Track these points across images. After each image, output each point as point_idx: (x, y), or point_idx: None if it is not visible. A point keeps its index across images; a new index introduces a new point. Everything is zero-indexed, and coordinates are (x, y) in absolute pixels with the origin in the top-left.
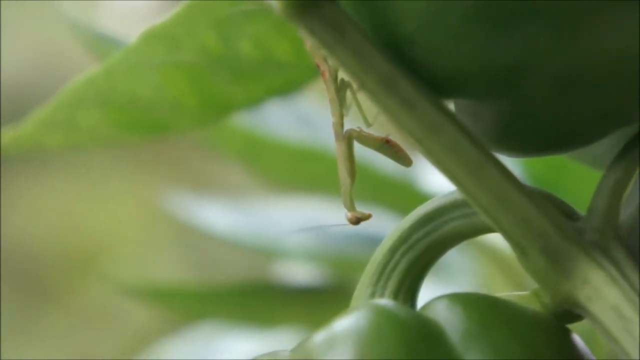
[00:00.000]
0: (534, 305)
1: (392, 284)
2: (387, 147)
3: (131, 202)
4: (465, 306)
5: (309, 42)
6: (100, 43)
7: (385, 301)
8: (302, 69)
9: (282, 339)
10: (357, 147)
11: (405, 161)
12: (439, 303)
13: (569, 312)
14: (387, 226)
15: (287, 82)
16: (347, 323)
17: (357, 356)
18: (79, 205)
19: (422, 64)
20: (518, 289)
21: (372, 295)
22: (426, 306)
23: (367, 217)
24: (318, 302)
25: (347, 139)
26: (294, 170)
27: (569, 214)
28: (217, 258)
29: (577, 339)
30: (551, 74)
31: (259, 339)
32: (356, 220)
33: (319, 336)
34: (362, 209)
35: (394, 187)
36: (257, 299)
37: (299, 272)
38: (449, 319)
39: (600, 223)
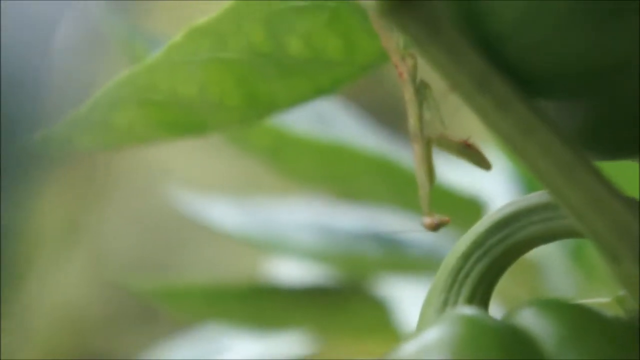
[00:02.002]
0: (617, 313)
1: (465, 291)
2: (467, 150)
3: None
4: (556, 313)
5: (390, 41)
6: (139, 43)
7: (472, 310)
8: (351, 67)
9: (287, 341)
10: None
11: (485, 165)
12: (526, 311)
13: None
14: (397, 225)
15: (335, 80)
16: (438, 333)
17: None
18: None
19: (516, 63)
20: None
21: (445, 301)
22: (511, 314)
23: (446, 222)
24: (325, 303)
25: (426, 142)
26: (314, 168)
27: None
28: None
29: None
30: None
31: (264, 341)
32: (435, 226)
33: (408, 347)
34: (376, 207)
35: (407, 182)
36: (263, 299)
37: (306, 273)
38: (541, 327)
39: None
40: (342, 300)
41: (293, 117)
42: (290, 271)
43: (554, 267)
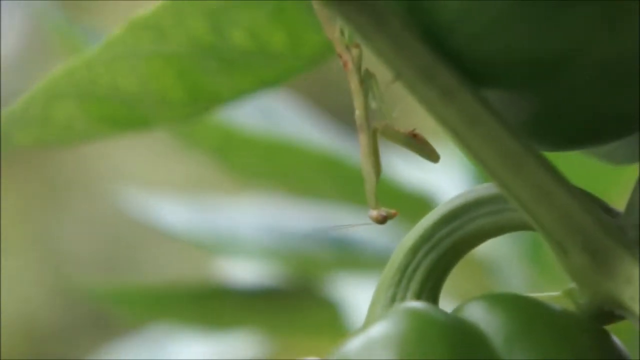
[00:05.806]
0: (567, 306)
1: (414, 285)
2: (413, 141)
3: None
4: (505, 307)
5: (334, 31)
6: (77, 36)
7: (420, 304)
8: (297, 59)
9: (238, 342)
10: None
11: (432, 156)
12: (475, 305)
13: (606, 313)
14: (346, 222)
15: (280, 73)
16: (385, 327)
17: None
18: None
19: (461, 53)
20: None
21: (394, 296)
22: (460, 308)
23: (393, 215)
24: (275, 303)
25: (372, 132)
26: (262, 166)
27: (607, 211)
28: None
29: (616, 340)
30: (595, 63)
31: (215, 342)
32: (382, 219)
33: (353, 343)
34: (328, 205)
35: (356, 179)
36: (214, 301)
37: (256, 273)
38: (490, 322)
39: None
40: (293, 301)
41: (240, 114)
42: (241, 272)
43: (507, 262)
